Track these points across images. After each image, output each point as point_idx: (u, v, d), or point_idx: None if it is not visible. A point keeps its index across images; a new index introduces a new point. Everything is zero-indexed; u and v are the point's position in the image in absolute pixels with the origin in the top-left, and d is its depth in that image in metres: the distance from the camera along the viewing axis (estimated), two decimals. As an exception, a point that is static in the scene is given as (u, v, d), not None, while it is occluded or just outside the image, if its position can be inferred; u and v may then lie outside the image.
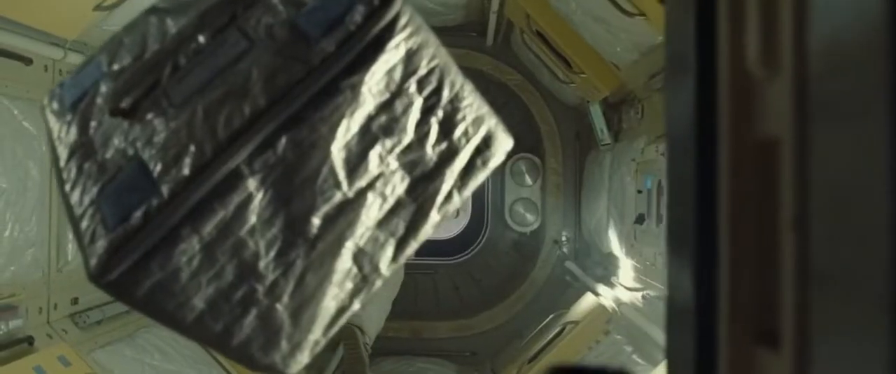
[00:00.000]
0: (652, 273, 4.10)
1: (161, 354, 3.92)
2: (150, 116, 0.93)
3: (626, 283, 4.76)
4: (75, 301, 3.59)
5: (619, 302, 4.52)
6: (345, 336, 5.24)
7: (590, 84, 4.76)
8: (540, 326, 5.23)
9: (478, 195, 6.43)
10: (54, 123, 1.02)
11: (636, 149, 4.42)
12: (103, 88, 0.99)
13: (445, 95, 0.99)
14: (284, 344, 0.90)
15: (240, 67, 0.92)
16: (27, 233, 3.26)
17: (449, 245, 6.81)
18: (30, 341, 3.14)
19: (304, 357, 0.91)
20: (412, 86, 0.97)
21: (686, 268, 0.75)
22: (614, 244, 4.92)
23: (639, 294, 4.43)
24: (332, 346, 5.86)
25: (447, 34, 6.78)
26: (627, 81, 4.48)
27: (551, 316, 5.23)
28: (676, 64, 0.80)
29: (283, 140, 0.90)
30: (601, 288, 5.01)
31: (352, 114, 0.93)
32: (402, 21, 0.95)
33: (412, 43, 0.97)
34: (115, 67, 1.00)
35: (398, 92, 0.96)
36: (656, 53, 3.72)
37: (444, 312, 6.56)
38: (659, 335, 3.70)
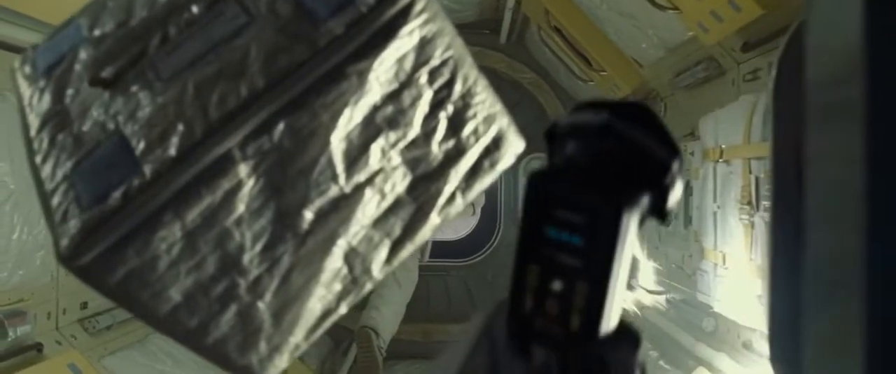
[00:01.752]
0: (677, 276, 3.98)
1: (172, 360, 3.81)
2: (134, 88, 0.86)
3: (647, 286, 4.64)
4: (84, 306, 3.48)
5: (640, 305, 4.41)
6: (358, 339, 5.12)
7: (610, 82, 4.64)
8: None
9: (491, 195, 6.31)
10: (26, 89, 0.95)
11: (659, 148, 4.31)
12: (83, 55, 0.93)
13: (457, 89, 0.93)
14: (263, 345, 0.83)
15: (237, 42, 0.86)
16: (36, 236, 3.14)
17: (461, 246, 6.69)
18: (39, 348, 3.03)
19: (282, 361, 0.85)
20: (423, 77, 0.91)
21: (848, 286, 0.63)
22: (634, 246, 4.80)
23: (662, 298, 4.31)
24: (344, 349, 5.74)
25: (459, 32, 6.67)
26: (650, 79, 4.36)
27: (569, 320, 5.10)
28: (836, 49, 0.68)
29: (281, 126, 0.83)
30: (620, 291, 4.89)
31: (356, 102, 0.87)
32: (419, 6, 0.89)
33: (427, 31, 0.90)
34: (97, 32, 0.93)
35: (407, 82, 0.90)
36: (684, 50, 3.60)
37: (457, 314, 6.44)
38: (686, 340, 3.58)
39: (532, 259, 0.54)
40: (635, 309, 4.46)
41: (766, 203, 2.43)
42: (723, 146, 2.85)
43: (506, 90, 6.10)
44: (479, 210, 5.88)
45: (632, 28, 3.79)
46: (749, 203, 2.59)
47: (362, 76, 0.86)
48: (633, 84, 4.46)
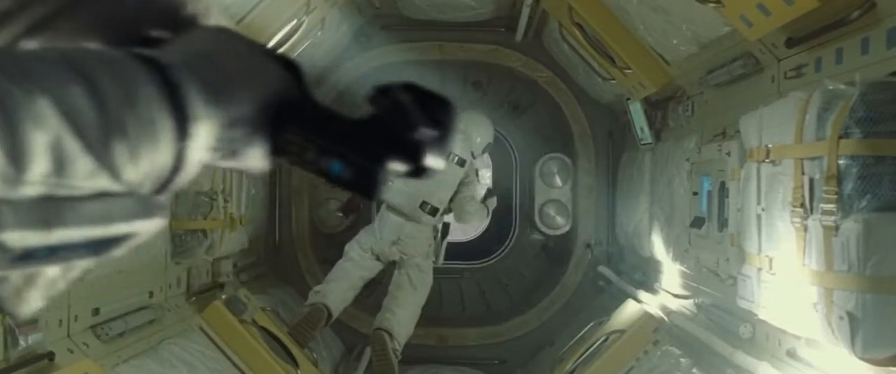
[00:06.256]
0: (709, 280, 3.85)
1: (187, 367, 3.68)
2: None
3: (672, 289, 4.50)
4: (96, 312, 3.34)
5: (666, 310, 4.27)
6: (373, 342, 4.98)
7: (635, 80, 4.51)
8: (579, 334, 4.97)
9: (505, 197, 6.17)
10: None
11: (687, 148, 4.17)
12: None
13: None
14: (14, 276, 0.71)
15: None
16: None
17: (474, 248, 6.55)
18: (50, 356, 2.88)
19: (37, 299, 0.74)
20: None
21: None
22: (658, 249, 4.67)
23: (690, 301, 4.18)
24: (357, 354, 5.59)
25: (475, 30, 6.49)
26: (677, 77, 4.23)
27: (591, 324, 4.97)
28: None
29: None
30: (643, 295, 4.76)
31: None
32: None
33: None
34: None
35: None
36: (719, 46, 3.47)
37: (471, 318, 6.31)
38: (722, 347, 3.45)
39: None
40: (661, 314, 4.32)
41: (824, 206, 2.29)
42: (769, 146, 2.72)
43: (521, 89, 5.96)
44: (490, 212, 5.71)
45: (664, 24, 3.66)
46: (802, 206, 2.45)
47: None
48: (660, 82, 4.33)
